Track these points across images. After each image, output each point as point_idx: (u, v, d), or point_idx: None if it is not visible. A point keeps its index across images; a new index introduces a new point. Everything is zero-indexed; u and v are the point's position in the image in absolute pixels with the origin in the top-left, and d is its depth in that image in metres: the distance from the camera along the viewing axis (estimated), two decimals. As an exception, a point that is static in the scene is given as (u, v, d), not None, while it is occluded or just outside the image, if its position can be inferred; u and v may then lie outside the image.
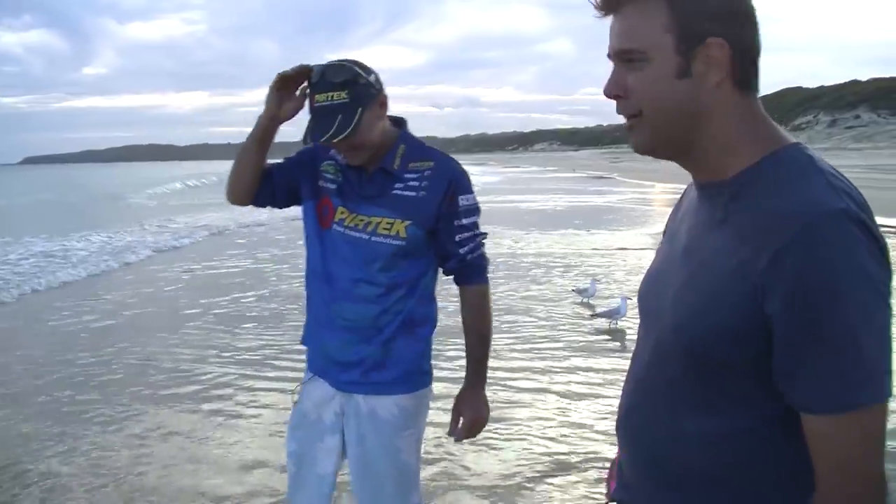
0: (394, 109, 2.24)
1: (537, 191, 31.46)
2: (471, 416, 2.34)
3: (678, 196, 1.43)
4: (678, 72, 1.13)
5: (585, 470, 4.05)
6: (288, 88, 2.14)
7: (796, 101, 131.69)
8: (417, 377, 2.29)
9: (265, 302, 8.84)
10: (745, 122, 1.16)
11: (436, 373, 2.41)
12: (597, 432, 4.53)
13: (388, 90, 2.17)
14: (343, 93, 2.04)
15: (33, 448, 4.47)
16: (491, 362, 2.41)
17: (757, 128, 1.17)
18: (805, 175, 1.09)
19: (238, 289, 9.71)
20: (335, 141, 2.06)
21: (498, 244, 12.61)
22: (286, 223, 16.67)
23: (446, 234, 2.21)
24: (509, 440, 4.39)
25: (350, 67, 2.08)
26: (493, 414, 2.48)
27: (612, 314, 7.12)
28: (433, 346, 2.39)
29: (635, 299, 1.39)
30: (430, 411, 2.39)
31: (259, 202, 2.33)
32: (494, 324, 2.53)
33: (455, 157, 2.32)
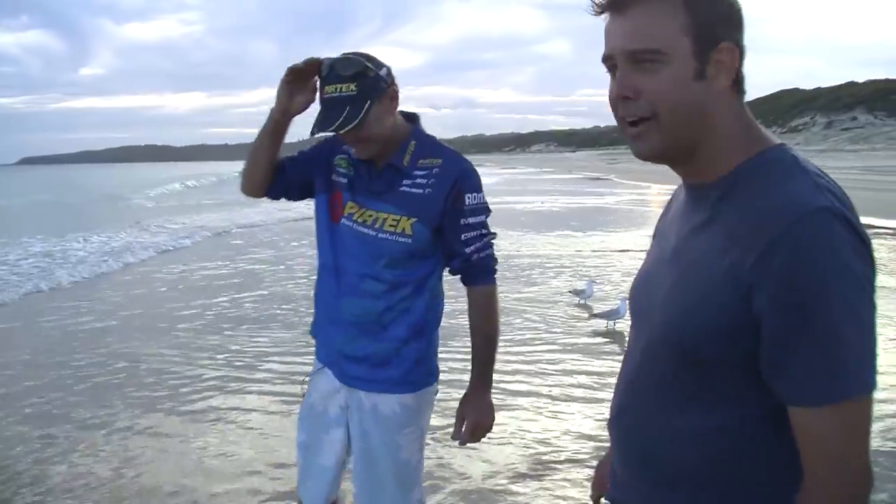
0: None
1: (534, 192, 31.46)
2: (474, 419, 2.30)
3: (674, 197, 1.43)
4: (695, 74, 1.13)
5: (569, 471, 4.04)
6: (299, 82, 2.15)
7: (793, 103, 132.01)
8: (421, 376, 2.29)
9: (261, 303, 8.82)
10: (741, 124, 1.19)
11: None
12: (585, 437, 4.51)
13: None
14: (352, 85, 2.04)
15: (26, 450, 4.45)
16: None
17: (749, 130, 1.19)
18: (791, 175, 1.12)
19: (234, 289, 9.69)
20: (342, 132, 2.06)
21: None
22: (280, 224, 16.66)
23: (451, 233, 2.19)
24: (500, 444, 4.34)
25: (360, 60, 2.08)
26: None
27: (612, 315, 7.07)
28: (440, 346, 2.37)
29: None
30: None
31: (272, 194, 2.37)
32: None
33: None
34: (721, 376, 1.15)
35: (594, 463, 3.96)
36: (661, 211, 1.47)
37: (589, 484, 1.65)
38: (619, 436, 1.35)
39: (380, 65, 2.11)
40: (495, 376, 2.37)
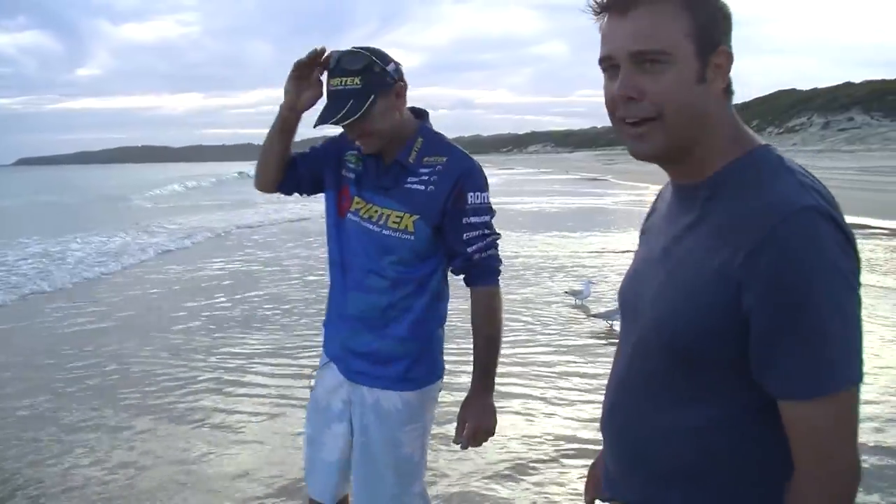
0: None
1: (531, 192, 31.47)
2: (474, 424, 2.25)
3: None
4: (697, 77, 1.16)
5: (552, 471, 4.02)
6: (305, 76, 2.16)
7: (790, 103, 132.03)
8: (423, 374, 2.28)
9: (258, 304, 8.81)
10: (732, 125, 1.22)
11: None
12: (573, 438, 4.51)
13: None
14: (356, 79, 2.06)
15: (21, 452, 4.44)
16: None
17: (737, 131, 1.23)
18: (777, 175, 1.15)
19: (234, 290, 9.68)
20: (344, 125, 2.08)
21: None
22: (276, 225, 16.62)
23: (453, 232, 2.18)
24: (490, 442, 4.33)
25: (366, 55, 2.09)
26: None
27: (612, 315, 6.97)
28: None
29: None
30: None
31: (285, 190, 2.39)
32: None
33: None
34: (711, 373, 1.18)
35: (579, 463, 3.97)
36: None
37: (576, 485, 1.66)
38: (611, 434, 1.37)
39: (387, 60, 2.12)
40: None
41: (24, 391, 5.64)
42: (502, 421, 2.33)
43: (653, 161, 1.24)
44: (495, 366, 2.29)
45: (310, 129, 2.17)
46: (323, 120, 2.09)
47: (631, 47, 1.15)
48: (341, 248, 2.29)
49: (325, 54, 2.14)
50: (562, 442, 4.47)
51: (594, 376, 5.68)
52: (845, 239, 1.10)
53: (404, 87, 2.16)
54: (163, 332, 7.45)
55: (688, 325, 1.16)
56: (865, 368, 1.11)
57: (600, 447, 1.49)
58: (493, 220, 2.26)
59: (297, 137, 2.32)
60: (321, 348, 2.45)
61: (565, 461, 4.19)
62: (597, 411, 1.43)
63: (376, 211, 2.21)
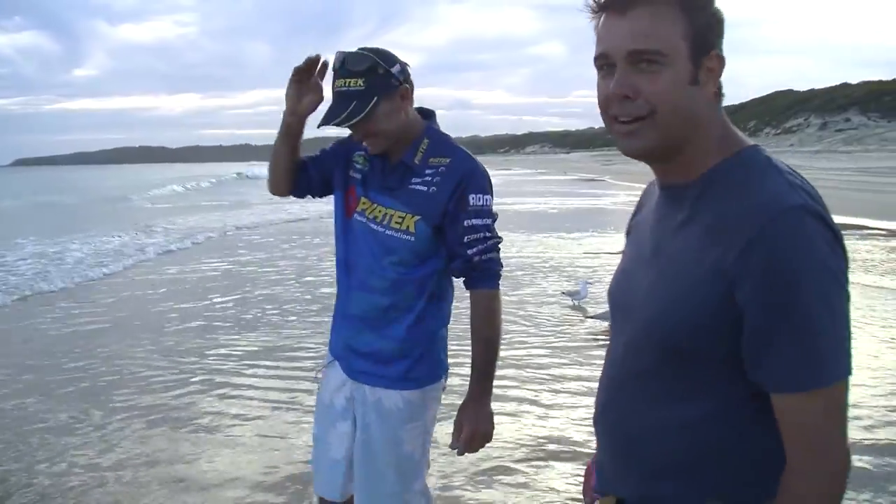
0: None
1: (528, 193, 31.46)
2: (470, 429, 2.22)
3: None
4: (691, 79, 1.18)
5: (544, 471, 4.02)
6: (304, 81, 2.18)
7: (787, 104, 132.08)
8: (425, 374, 2.28)
9: (255, 305, 8.80)
10: (722, 127, 1.25)
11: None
12: (568, 439, 4.50)
13: None
14: (360, 80, 2.07)
15: (17, 453, 4.44)
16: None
17: (726, 131, 1.25)
18: (765, 174, 1.17)
19: (234, 291, 9.67)
20: (348, 126, 2.09)
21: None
22: (274, 225, 16.60)
23: (453, 234, 2.18)
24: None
25: (370, 57, 2.10)
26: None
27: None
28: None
29: None
30: None
31: (297, 193, 2.42)
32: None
33: None
34: (704, 369, 1.20)
35: (571, 464, 3.96)
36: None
37: (567, 484, 1.66)
38: (605, 431, 1.39)
39: (393, 62, 2.12)
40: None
41: (21, 392, 5.63)
42: (496, 422, 2.32)
43: (643, 159, 1.25)
44: (494, 369, 2.27)
45: (320, 130, 2.19)
46: (326, 120, 2.10)
47: (629, 46, 1.17)
48: (347, 248, 2.31)
49: (321, 61, 2.15)
50: (553, 444, 4.46)
51: (588, 378, 5.67)
52: (833, 237, 1.13)
53: (410, 89, 2.17)
54: (157, 334, 7.43)
55: (681, 322, 1.18)
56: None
57: (594, 449, 1.49)
58: (494, 223, 2.25)
59: (307, 136, 2.33)
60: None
61: (556, 464, 4.18)
62: (590, 413, 1.44)
63: (381, 211, 2.22)
